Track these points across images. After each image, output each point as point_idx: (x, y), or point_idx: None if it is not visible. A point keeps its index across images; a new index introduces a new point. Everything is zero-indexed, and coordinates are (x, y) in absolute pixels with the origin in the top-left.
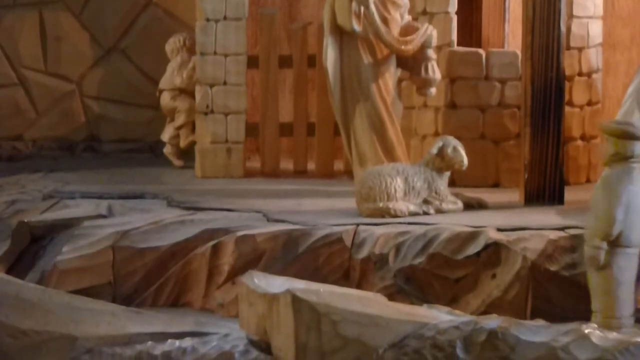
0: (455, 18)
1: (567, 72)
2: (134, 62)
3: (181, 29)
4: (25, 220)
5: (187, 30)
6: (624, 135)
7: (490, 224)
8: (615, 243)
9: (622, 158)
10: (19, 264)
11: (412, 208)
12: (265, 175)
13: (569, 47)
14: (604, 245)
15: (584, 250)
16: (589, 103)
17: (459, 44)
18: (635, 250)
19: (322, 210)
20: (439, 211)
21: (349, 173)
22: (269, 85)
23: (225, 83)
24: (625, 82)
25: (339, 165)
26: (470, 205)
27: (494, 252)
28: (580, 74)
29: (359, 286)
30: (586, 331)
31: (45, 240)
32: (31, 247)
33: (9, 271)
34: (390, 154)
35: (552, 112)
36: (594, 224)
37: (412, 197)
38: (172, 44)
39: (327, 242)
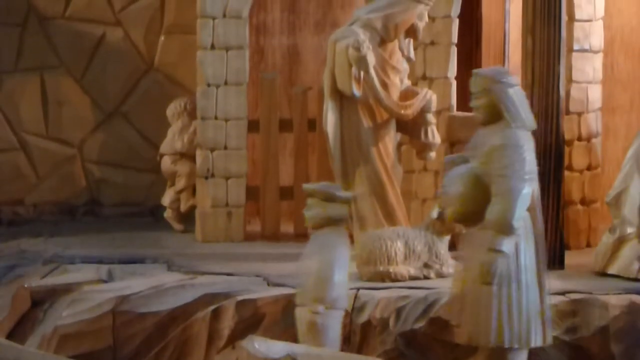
0: (454, 83)
1: (567, 136)
2: (135, 126)
3: (182, 93)
4: (26, 285)
5: (188, 95)
6: (331, 198)
7: None
8: (330, 306)
9: (332, 221)
10: (19, 329)
11: (413, 272)
12: (266, 238)
13: (568, 112)
14: (322, 309)
15: (295, 314)
16: (589, 167)
17: (458, 107)
18: (342, 312)
19: None
20: (440, 275)
21: (349, 236)
22: (270, 148)
23: (226, 147)
24: (625, 146)
25: None
26: None
27: None
28: (579, 139)
29: (360, 350)
30: None
31: (45, 304)
32: (31, 311)
33: (9, 336)
34: (390, 218)
35: (552, 176)
36: (311, 288)
37: (413, 260)
38: (173, 109)
39: None
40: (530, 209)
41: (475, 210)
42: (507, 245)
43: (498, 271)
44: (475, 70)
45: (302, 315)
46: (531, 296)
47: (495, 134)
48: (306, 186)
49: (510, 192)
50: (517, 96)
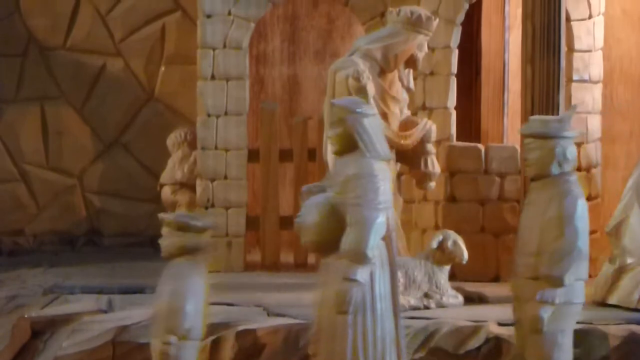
0: (454, 113)
1: None
2: (135, 156)
3: (182, 123)
4: (26, 316)
5: (188, 125)
6: (185, 227)
7: (491, 318)
8: (184, 336)
9: (188, 251)
10: (19, 359)
11: (413, 302)
12: (266, 268)
13: None
14: (174, 340)
15: (152, 345)
16: (589, 198)
17: (458, 137)
18: (196, 343)
19: None
20: (440, 305)
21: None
22: (270, 178)
23: (226, 177)
24: (625, 176)
25: None
26: (471, 299)
27: (495, 347)
28: (579, 169)
29: None
30: None
31: (45, 335)
32: (32, 342)
33: None
34: None
35: None
36: (163, 319)
37: (413, 290)
38: (173, 139)
39: None
40: (385, 238)
41: (331, 239)
42: (361, 274)
43: (353, 300)
44: (332, 100)
45: (155, 346)
46: (386, 325)
47: (350, 164)
48: (161, 215)
49: (364, 221)
50: (373, 126)
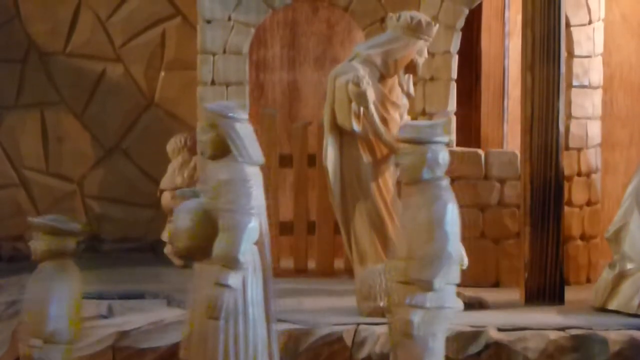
0: (454, 118)
1: (566, 172)
2: (135, 162)
3: (182, 129)
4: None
5: (188, 131)
6: (52, 231)
7: (490, 324)
8: (49, 339)
9: (55, 254)
10: None
11: None
12: None
13: (567, 148)
14: (39, 343)
15: (19, 349)
16: (588, 203)
17: (458, 143)
18: (62, 346)
19: (323, 309)
20: None
21: (349, 272)
22: (270, 184)
23: None
24: (625, 182)
25: (339, 263)
26: (471, 305)
27: (494, 352)
28: (579, 174)
29: None
30: None
31: None
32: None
33: None
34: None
35: (552, 212)
36: (29, 322)
37: None
38: (173, 144)
39: (327, 341)
40: (258, 243)
41: (204, 244)
42: (233, 279)
43: (225, 305)
44: (204, 105)
45: (22, 349)
46: (259, 330)
47: (222, 169)
48: (30, 219)
49: (236, 226)
50: (245, 131)
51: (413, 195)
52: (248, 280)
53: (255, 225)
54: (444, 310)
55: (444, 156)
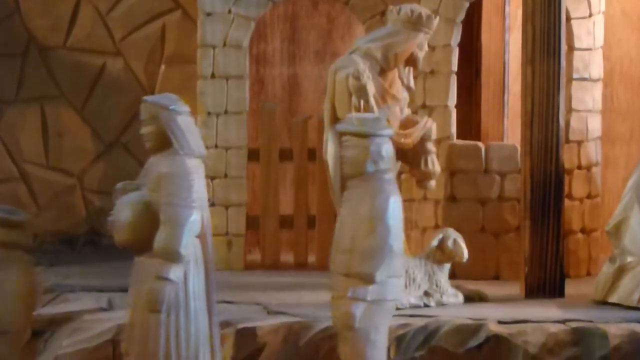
0: (454, 111)
1: (567, 165)
2: (135, 156)
3: None
4: None
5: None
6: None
7: (491, 317)
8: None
9: (3, 245)
10: (19, 359)
11: (413, 300)
12: (266, 267)
13: (568, 141)
14: None
15: None
16: (589, 196)
17: (458, 137)
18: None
19: (323, 303)
20: (440, 304)
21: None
22: (270, 178)
23: (226, 176)
24: (625, 176)
25: None
26: (471, 298)
27: (495, 346)
28: (579, 167)
29: None
30: None
31: (45, 334)
32: (32, 341)
33: None
34: None
35: (552, 206)
36: None
37: (413, 289)
38: None
39: (327, 334)
40: (200, 236)
41: (145, 238)
42: (174, 272)
43: (166, 299)
44: (144, 97)
45: None
46: (200, 324)
47: (163, 162)
48: None
49: (176, 219)
50: (186, 124)
51: (356, 188)
52: (190, 274)
53: (196, 218)
54: (386, 303)
55: (387, 149)
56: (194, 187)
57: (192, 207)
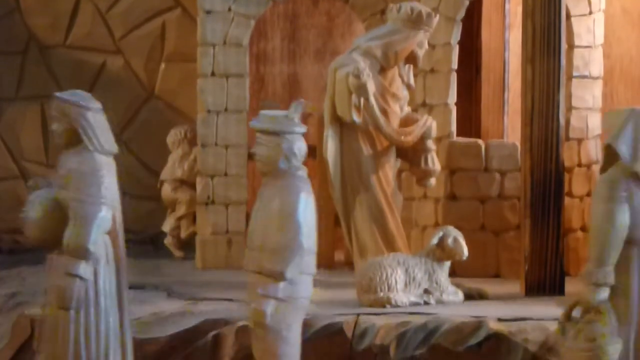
0: (454, 110)
1: (567, 163)
2: (135, 154)
3: (182, 121)
4: (26, 313)
5: (189, 123)
6: None
7: (491, 315)
8: None
9: None
10: (19, 357)
11: (413, 299)
12: None
13: (568, 139)
14: None
15: None
16: (589, 194)
17: (458, 135)
18: None
19: (323, 301)
20: (440, 302)
21: (349, 264)
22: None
23: (226, 174)
24: None
25: (339, 255)
26: (471, 296)
27: (495, 344)
28: (579, 165)
29: None
30: None
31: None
32: (32, 339)
33: None
34: (390, 245)
35: (552, 204)
36: None
37: (413, 287)
38: (173, 136)
39: (328, 332)
40: (110, 233)
41: (55, 235)
42: (84, 269)
43: (75, 296)
44: (55, 94)
45: None
46: (111, 321)
47: (73, 158)
48: None
49: (85, 216)
50: (97, 120)
51: (269, 185)
52: (100, 271)
53: (106, 214)
54: (298, 301)
55: (300, 146)
56: (103, 184)
57: (101, 204)
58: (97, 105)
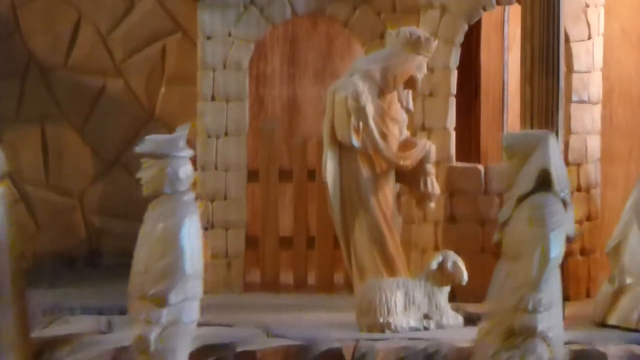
0: (453, 133)
1: None
2: (135, 176)
3: None
4: None
5: (188, 146)
6: None
7: None
8: None
9: None
10: None
11: (413, 323)
12: (265, 288)
13: (567, 163)
14: None
15: None
16: (588, 218)
17: (457, 157)
18: None
19: (322, 324)
20: (440, 326)
21: (349, 286)
22: (269, 198)
23: (225, 197)
24: (624, 195)
25: (339, 278)
26: (471, 320)
27: None
28: (579, 189)
29: None
30: None
31: (45, 356)
32: None
33: None
34: (390, 268)
35: None
36: None
37: (413, 311)
38: None
39: (327, 357)
40: None
41: None
42: None
43: None
44: None
45: None
46: None
47: None
48: None
49: None
50: None
51: (154, 209)
52: None
53: None
54: (183, 326)
55: (185, 170)
56: None
57: None
58: None
